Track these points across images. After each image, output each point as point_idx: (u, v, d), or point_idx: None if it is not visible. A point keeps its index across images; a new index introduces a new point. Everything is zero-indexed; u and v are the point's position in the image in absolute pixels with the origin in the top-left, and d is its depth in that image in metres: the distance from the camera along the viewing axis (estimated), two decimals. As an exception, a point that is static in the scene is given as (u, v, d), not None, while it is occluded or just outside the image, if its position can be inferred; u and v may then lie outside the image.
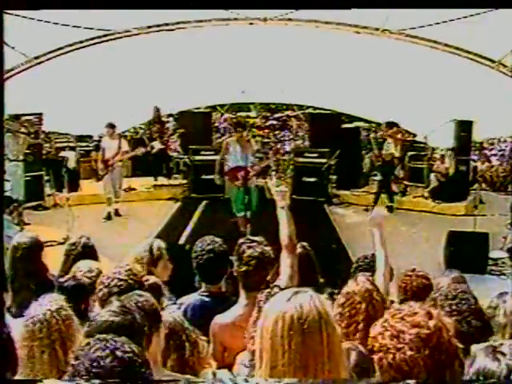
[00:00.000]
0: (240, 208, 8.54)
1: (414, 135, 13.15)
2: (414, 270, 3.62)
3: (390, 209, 10.81)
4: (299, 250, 3.73)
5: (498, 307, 2.82)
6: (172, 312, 2.96)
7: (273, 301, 1.89)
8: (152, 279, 3.39)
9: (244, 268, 3.15)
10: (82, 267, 3.57)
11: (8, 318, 3.41)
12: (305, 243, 3.83)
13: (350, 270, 3.78)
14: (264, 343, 1.80)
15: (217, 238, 3.61)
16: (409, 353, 1.80)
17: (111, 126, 10.51)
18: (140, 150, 11.23)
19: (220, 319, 3.18)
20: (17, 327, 2.62)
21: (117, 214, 10.56)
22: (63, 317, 2.61)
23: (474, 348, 1.87)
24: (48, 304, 2.65)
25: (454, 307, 2.60)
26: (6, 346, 2.26)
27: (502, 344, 1.71)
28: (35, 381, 2.45)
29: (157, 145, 12.63)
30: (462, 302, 2.65)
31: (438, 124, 11.82)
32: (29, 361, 2.52)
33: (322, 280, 3.73)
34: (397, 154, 11.27)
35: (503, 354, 1.65)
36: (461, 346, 1.83)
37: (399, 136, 11.46)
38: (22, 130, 10.37)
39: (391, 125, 11.58)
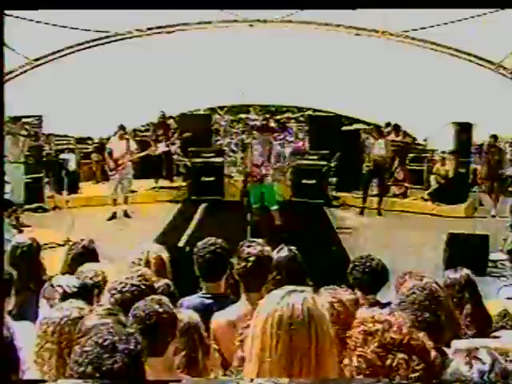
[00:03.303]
0: (255, 201, 9.50)
1: (414, 138, 13.17)
2: (410, 272, 3.61)
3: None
4: (286, 253, 3.75)
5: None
6: (190, 313, 2.96)
7: (267, 298, 1.90)
8: (162, 282, 3.38)
9: (243, 264, 3.16)
10: (86, 270, 3.55)
11: (9, 320, 3.39)
12: (292, 247, 3.84)
13: (347, 270, 3.78)
14: (254, 339, 1.83)
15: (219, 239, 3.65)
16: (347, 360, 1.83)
17: (122, 128, 10.67)
18: (151, 149, 11.47)
19: (218, 317, 3.20)
20: (18, 330, 2.61)
21: (126, 215, 10.69)
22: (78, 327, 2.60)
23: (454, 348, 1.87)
24: (68, 310, 2.61)
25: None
26: (9, 349, 2.26)
27: (478, 349, 1.71)
28: (35, 381, 2.45)
29: (162, 147, 12.67)
30: (412, 295, 2.66)
31: (438, 126, 11.84)
32: (38, 359, 2.51)
33: (311, 283, 3.71)
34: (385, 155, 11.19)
35: (478, 359, 1.65)
36: (428, 342, 1.83)
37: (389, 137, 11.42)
38: (23, 132, 10.39)
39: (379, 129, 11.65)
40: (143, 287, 2.98)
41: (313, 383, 1.75)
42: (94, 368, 1.71)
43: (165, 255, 3.88)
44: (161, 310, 2.51)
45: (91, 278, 3.43)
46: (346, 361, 1.85)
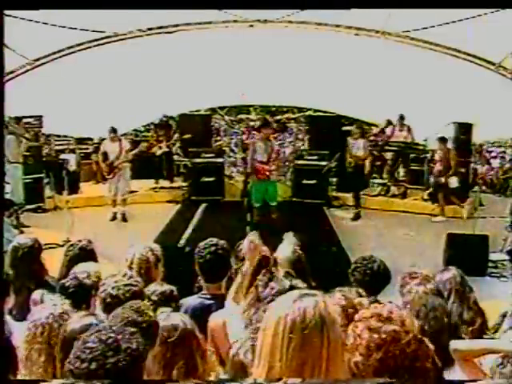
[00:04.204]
0: (258, 199, 9.58)
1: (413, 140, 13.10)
2: (415, 273, 3.61)
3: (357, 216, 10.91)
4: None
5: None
6: (181, 317, 2.86)
7: (278, 301, 1.88)
8: (166, 287, 3.36)
9: (240, 264, 3.16)
10: (79, 271, 3.54)
11: (10, 320, 3.39)
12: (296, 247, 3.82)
13: (348, 270, 3.77)
14: (265, 342, 1.80)
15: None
16: (358, 358, 1.81)
17: (113, 131, 10.62)
18: (143, 145, 11.46)
19: (216, 317, 3.19)
20: (19, 330, 2.62)
21: (124, 219, 10.59)
22: (65, 322, 2.60)
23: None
24: (51, 308, 2.65)
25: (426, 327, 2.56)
26: (8, 348, 2.26)
27: None
28: (35, 381, 2.45)
29: (163, 147, 12.69)
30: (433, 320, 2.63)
31: (438, 126, 11.83)
32: (27, 362, 2.52)
33: (313, 283, 3.70)
34: (362, 156, 11.11)
35: None
36: (431, 346, 1.84)
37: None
38: (27, 135, 10.44)
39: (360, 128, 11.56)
40: (135, 283, 2.98)
41: None
42: (98, 365, 1.71)
43: (152, 256, 3.84)
44: (139, 319, 2.46)
45: (84, 278, 3.42)
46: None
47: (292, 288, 2.43)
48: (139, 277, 3.40)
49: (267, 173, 9.51)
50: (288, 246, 3.77)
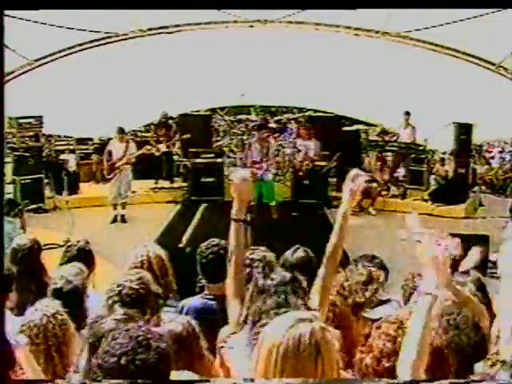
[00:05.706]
0: (253, 198, 9.71)
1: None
2: (419, 275, 3.58)
3: None
4: (302, 254, 3.68)
5: None
6: (179, 319, 2.77)
7: (274, 324, 1.82)
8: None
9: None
10: (68, 273, 3.44)
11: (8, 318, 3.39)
12: (307, 248, 3.79)
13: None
14: (259, 366, 1.76)
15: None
16: (369, 360, 1.80)
17: (121, 131, 10.55)
18: (147, 148, 11.37)
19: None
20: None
21: (123, 220, 10.52)
22: (59, 322, 2.62)
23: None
24: (44, 309, 2.65)
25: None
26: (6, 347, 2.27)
27: None
28: (35, 381, 2.45)
29: (163, 147, 12.68)
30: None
31: (438, 127, 11.84)
32: (26, 365, 2.51)
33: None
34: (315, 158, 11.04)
35: None
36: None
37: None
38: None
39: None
40: (142, 291, 2.88)
41: (320, 383, 1.73)
42: (127, 360, 1.73)
43: (164, 255, 3.86)
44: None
45: (75, 276, 3.40)
46: (358, 355, 1.83)
47: (294, 279, 2.37)
48: (158, 275, 3.47)
49: (260, 172, 9.57)
50: (300, 248, 3.72)
